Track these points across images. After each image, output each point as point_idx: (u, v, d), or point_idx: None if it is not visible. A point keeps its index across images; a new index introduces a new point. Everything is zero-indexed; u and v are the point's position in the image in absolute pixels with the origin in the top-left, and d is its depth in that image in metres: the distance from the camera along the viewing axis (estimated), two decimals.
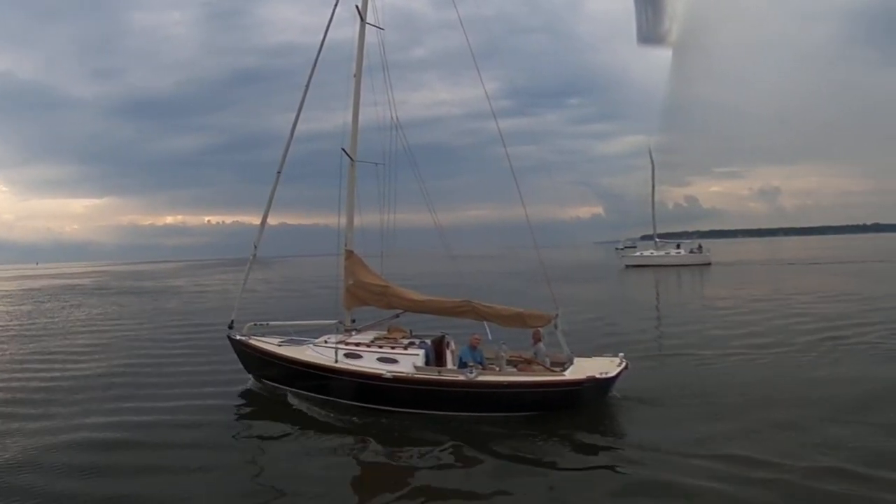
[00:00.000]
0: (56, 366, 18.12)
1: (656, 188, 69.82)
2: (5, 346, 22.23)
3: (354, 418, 11.74)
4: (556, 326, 12.33)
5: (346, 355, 12.42)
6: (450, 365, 12.62)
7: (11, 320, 32.49)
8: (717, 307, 28.58)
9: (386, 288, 13.66)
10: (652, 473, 8.89)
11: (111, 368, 17.52)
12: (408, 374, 11.77)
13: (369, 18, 14.01)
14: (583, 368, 11.88)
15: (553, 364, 12.38)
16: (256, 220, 15.30)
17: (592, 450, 10.02)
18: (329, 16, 14.09)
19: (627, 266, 65.96)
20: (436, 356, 12.74)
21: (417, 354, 12.05)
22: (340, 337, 13.18)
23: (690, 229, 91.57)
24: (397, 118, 13.88)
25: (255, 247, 15.17)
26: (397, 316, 14.08)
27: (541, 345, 12.77)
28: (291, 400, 12.93)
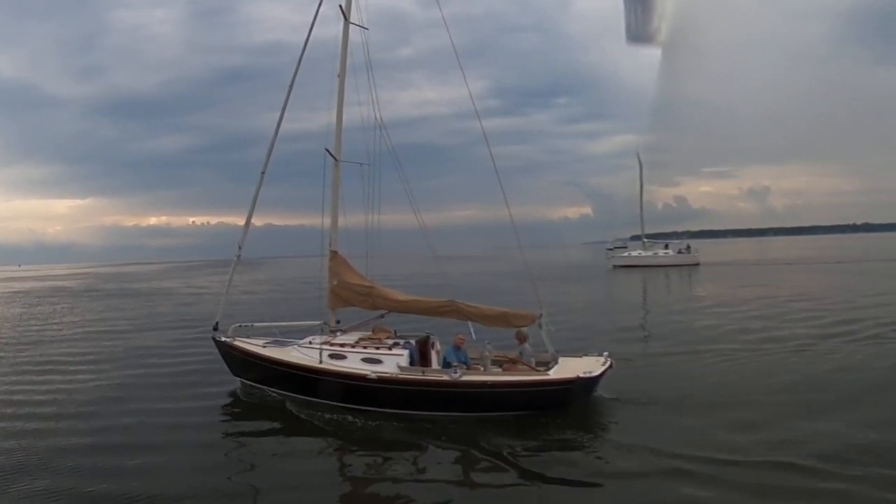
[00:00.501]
0: (56, 377, 17.40)
1: (645, 188, 70.44)
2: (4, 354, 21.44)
3: (339, 419, 11.83)
4: (540, 326, 12.48)
5: (331, 356, 12.51)
6: (435, 365, 12.75)
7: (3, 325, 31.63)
8: (702, 307, 28.93)
9: (370, 289, 13.76)
10: (637, 472, 9.04)
11: (111, 374, 17.36)
12: (392, 374, 11.88)
13: (354, 18, 14.11)
14: (567, 368, 12.03)
15: (538, 364, 12.52)
16: (241, 221, 15.36)
17: (577, 449, 10.17)
18: (313, 15, 14.17)
19: (615, 266, 66.35)
20: (421, 356, 12.85)
21: (402, 355, 12.15)
22: (325, 338, 13.28)
23: (680, 229, 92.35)
24: (381, 118, 13.97)
25: (240, 248, 15.20)
26: (382, 316, 14.18)
27: (526, 345, 12.91)
28: (276, 401, 13.02)
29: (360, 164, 14.00)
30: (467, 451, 10.10)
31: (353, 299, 13.96)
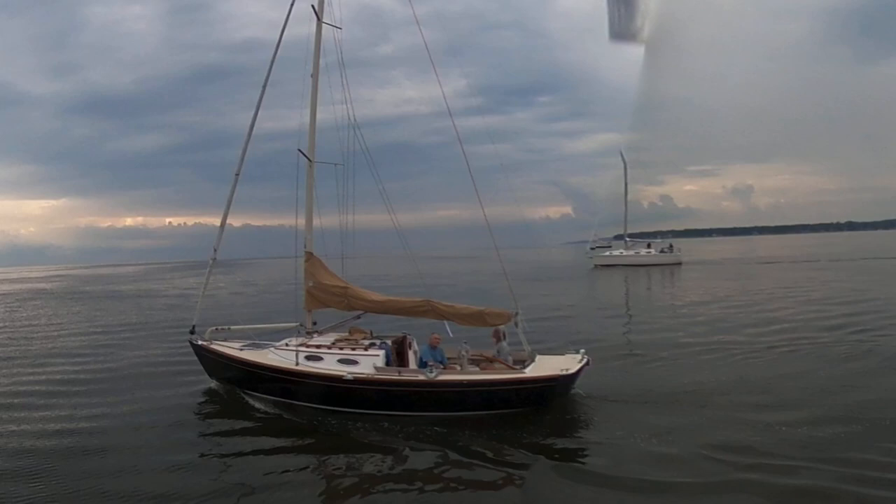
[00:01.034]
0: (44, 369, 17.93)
1: (630, 187, 70.56)
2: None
3: (316, 421, 11.94)
4: (516, 324, 12.67)
5: (307, 358, 12.60)
6: (412, 365, 12.86)
7: None
8: (683, 306, 29.42)
9: (346, 289, 13.86)
10: (614, 469, 9.21)
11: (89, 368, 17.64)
12: (368, 375, 11.99)
13: (327, 17, 14.17)
14: (544, 366, 12.24)
15: (515, 362, 12.71)
16: (219, 222, 15.36)
17: (554, 447, 10.32)
18: (286, 13, 14.22)
19: (597, 266, 66.66)
20: (398, 357, 13.00)
21: (378, 355, 12.27)
22: (301, 339, 13.37)
23: (665, 228, 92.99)
24: (355, 118, 14.05)
25: (215, 249, 15.24)
26: (359, 317, 14.28)
27: (503, 343, 13.09)
28: (254, 404, 13.10)
29: (335, 164, 14.09)
30: (444, 452, 10.20)
31: (328, 300, 14.04)
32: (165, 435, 11.62)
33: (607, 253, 69.79)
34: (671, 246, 69.08)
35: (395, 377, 12.03)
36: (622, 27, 79.70)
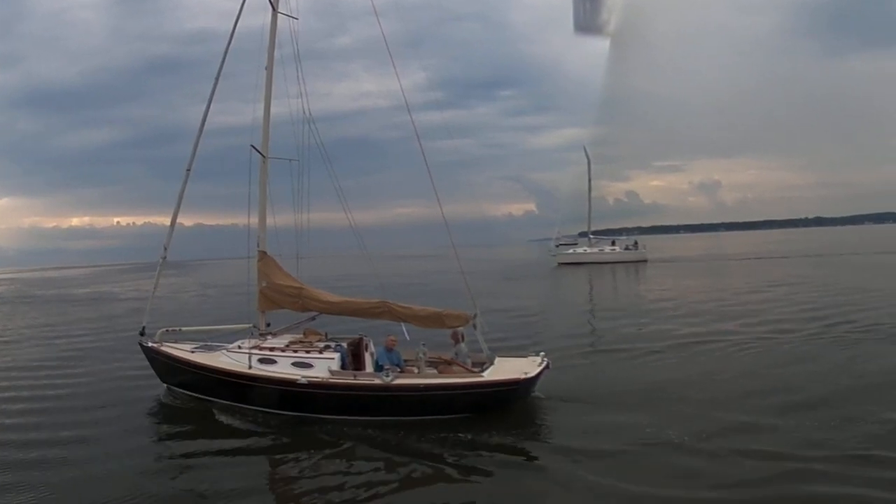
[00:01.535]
0: None
1: (595, 183, 70.61)
2: None
3: (270, 425, 11.78)
4: (474, 326, 12.64)
5: (260, 361, 12.45)
6: (369, 368, 12.72)
7: None
8: (646, 304, 29.79)
9: (300, 290, 13.67)
10: (573, 472, 9.27)
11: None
12: (323, 378, 11.85)
13: (283, 7, 13.94)
14: (504, 368, 12.26)
15: (474, 364, 12.69)
16: (169, 221, 14.98)
17: (514, 451, 10.33)
18: (240, 2, 13.93)
19: (560, 264, 66.32)
20: (354, 359, 12.89)
21: (333, 358, 12.15)
22: (255, 342, 13.19)
23: (631, 225, 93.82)
24: (310, 112, 13.86)
25: (165, 249, 14.95)
26: (313, 318, 14.13)
27: (462, 345, 13.06)
28: (205, 408, 12.85)
29: (290, 160, 13.85)
30: (400, 457, 10.15)
31: (282, 301, 13.84)
32: (117, 443, 11.30)
33: (571, 251, 69.61)
34: (636, 243, 69.95)
35: (350, 381, 11.91)
36: (588, 20, 79.65)
